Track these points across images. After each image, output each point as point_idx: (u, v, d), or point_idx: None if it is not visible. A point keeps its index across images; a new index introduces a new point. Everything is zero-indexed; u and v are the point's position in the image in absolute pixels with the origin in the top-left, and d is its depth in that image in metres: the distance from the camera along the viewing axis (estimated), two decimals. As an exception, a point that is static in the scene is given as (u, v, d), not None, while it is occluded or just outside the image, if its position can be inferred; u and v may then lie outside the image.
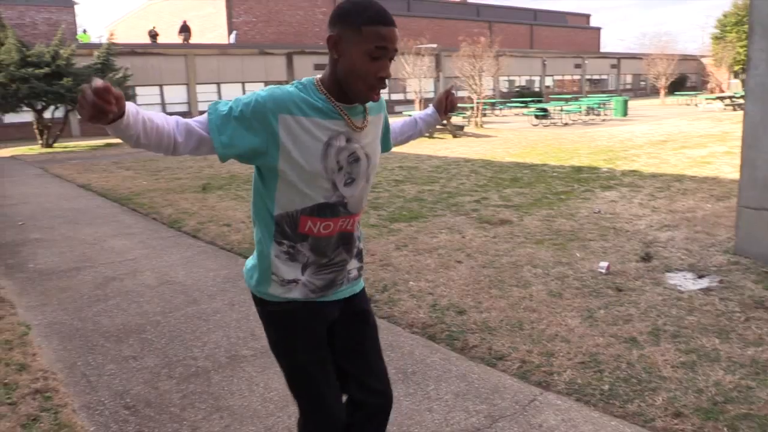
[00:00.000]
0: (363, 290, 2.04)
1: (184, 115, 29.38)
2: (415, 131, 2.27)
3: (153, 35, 33.88)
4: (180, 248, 6.29)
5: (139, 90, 28.39)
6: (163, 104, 29.45)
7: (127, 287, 5.06)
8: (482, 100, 22.80)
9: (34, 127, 20.69)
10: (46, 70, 18.46)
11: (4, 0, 32.64)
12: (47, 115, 20.54)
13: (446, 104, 2.26)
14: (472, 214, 7.24)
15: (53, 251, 6.35)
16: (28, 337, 3.99)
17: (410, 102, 33.51)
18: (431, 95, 38.66)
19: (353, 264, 1.95)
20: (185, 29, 33.14)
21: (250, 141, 1.63)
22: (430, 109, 2.29)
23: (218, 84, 31.09)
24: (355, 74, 1.65)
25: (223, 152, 1.63)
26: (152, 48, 29.83)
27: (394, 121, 2.14)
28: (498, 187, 9.13)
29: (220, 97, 31.25)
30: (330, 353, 1.94)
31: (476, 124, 22.10)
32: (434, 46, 33.73)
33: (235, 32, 37.88)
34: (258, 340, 3.83)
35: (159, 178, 11.42)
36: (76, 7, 38.32)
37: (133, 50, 28.50)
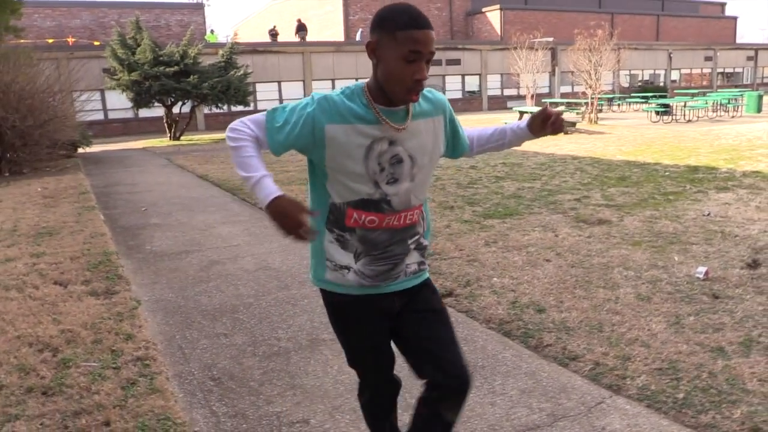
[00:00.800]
0: (426, 283, 2.10)
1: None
2: (503, 142, 2.16)
3: (273, 34, 35.48)
4: (279, 236, 6.63)
5: (258, 87, 29.97)
6: (280, 99, 30.79)
7: (227, 271, 5.44)
8: (598, 95, 21.88)
9: (164, 121, 22.42)
10: (175, 68, 19.93)
11: (142, 4, 35.54)
12: (175, 110, 22.16)
13: (540, 123, 2.05)
14: (569, 213, 7.05)
15: (168, 235, 6.92)
16: (137, 311, 4.42)
17: (522, 97, 32.77)
18: (546, 90, 37.63)
19: (413, 258, 2.02)
20: (302, 28, 34.39)
21: (301, 143, 1.84)
22: (524, 123, 2.11)
23: (333, 80, 32.01)
24: (393, 78, 1.75)
25: (276, 150, 1.88)
26: (272, 46, 31.28)
27: (485, 128, 2.17)
28: (602, 185, 8.80)
29: (334, 92, 32.22)
30: (386, 338, 2.08)
31: (590, 121, 21.29)
32: (550, 39, 32.78)
33: (360, 30, 38.70)
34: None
35: (270, 171, 12.02)
36: (205, 9, 40.97)
37: (254, 49, 30.03)
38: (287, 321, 4.18)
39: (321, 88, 31.69)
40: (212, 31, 38.12)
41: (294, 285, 4.95)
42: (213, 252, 6.11)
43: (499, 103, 36.46)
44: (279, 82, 30.78)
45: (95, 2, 34.45)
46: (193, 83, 19.89)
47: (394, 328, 2.07)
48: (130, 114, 26.31)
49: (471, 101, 36.75)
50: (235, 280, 5.17)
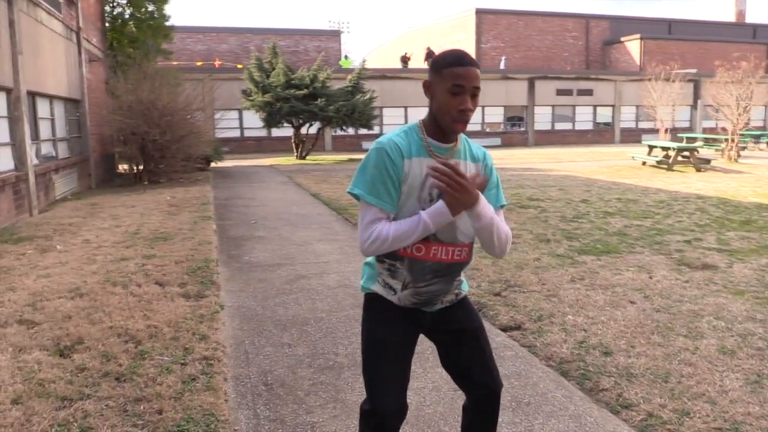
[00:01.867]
0: (464, 308, 2.23)
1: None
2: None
3: (405, 60, 36.42)
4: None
5: (386, 111, 30.82)
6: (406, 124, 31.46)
7: (310, 285, 5.68)
8: (740, 131, 20.27)
9: (292, 140, 23.69)
10: (305, 91, 21.07)
11: (284, 31, 37.96)
12: (304, 130, 23.36)
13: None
14: (673, 255, 6.62)
15: (267, 248, 7.34)
16: (218, 315, 4.75)
17: (655, 131, 31.02)
18: (686, 124, 35.39)
19: (450, 296, 2.17)
20: (431, 55, 34.89)
21: (395, 189, 1.97)
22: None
23: (458, 107, 32.20)
24: (442, 109, 1.96)
25: (394, 206, 1.99)
26: (400, 72, 32.10)
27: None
28: (721, 228, 8.16)
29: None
30: (408, 352, 2.18)
31: (729, 158, 19.74)
32: (693, 71, 30.89)
33: (504, 58, 38.68)
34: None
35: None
36: (342, 36, 42.95)
37: (383, 74, 31.00)
38: (350, 338, 4.30)
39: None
40: (346, 57, 39.82)
41: (367, 304, 5.07)
42: (302, 267, 6.40)
43: (632, 136, 34.75)
44: (405, 108, 31.46)
45: (241, 28, 37.31)
46: (320, 106, 20.90)
47: (438, 347, 2.26)
48: (263, 133, 28.05)
49: (602, 133, 35.38)
50: (315, 294, 5.38)
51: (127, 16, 19.15)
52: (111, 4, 18.99)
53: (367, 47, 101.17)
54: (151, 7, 19.24)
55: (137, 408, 3.19)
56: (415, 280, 2.06)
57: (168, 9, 21.25)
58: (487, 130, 33.13)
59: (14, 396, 3.31)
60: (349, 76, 23.26)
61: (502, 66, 36.92)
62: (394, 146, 1.97)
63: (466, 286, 2.27)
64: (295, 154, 23.60)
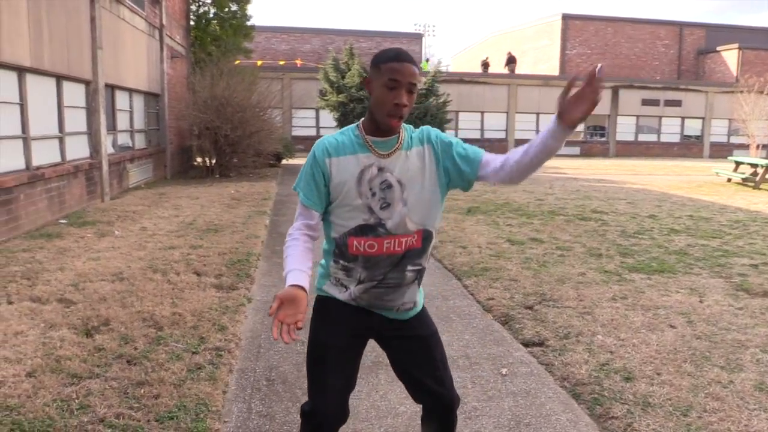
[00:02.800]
0: (418, 316, 2.21)
1: (499, 142, 30.68)
2: (540, 148, 1.95)
3: (485, 65, 35.98)
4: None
5: (462, 116, 30.58)
6: (482, 130, 31.09)
7: (342, 284, 5.68)
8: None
9: (365, 141, 23.90)
10: (378, 92, 21.16)
11: (365, 33, 38.37)
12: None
13: (573, 98, 1.80)
14: (733, 279, 6.17)
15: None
16: (243, 307, 4.83)
17: (746, 147, 29.13)
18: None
19: (410, 296, 2.13)
20: (511, 60, 34.36)
21: (323, 187, 2.01)
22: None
23: (537, 114, 31.51)
24: (378, 104, 1.96)
25: (318, 206, 2.05)
26: (479, 77, 31.73)
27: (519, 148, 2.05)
28: (796, 254, 7.53)
29: (538, 126, 31.71)
30: (353, 357, 2.15)
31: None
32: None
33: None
34: (406, 353, 4.00)
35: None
36: (424, 39, 42.95)
37: (461, 78, 30.75)
38: (365, 340, 4.25)
39: (525, 122, 31.57)
40: (427, 60, 39.77)
41: (393, 308, 5.01)
42: (340, 265, 6.41)
43: (723, 151, 32.81)
44: (482, 113, 31.09)
45: (324, 29, 37.99)
46: (392, 108, 20.95)
47: (388, 354, 2.23)
48: (339, 132, 28.47)
49: (690, 147, 33.62)
50: (344, 294, 5.37)
51: (210, 16, 19.91)
52: (197, 3, 19.80)
53: (451, 51, 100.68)
54: (234, 7, 19.93)
55: (137, 391, 3.27)
56: (371, 277, 2.05)
57: (250, 9, 21.92)
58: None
59: (30, 369, 3.48)
60: (424, 79, 23.19)
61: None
62: (323, 146, 2.01)
63: (422, 298, 2.24)
64: (367, 154, 23.78)
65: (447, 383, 2.15)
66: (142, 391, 3.28)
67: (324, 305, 2.14)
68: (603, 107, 32.33)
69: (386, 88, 1.92)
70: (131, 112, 13.01)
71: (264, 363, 3.82)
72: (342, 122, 22.14)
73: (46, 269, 5.68)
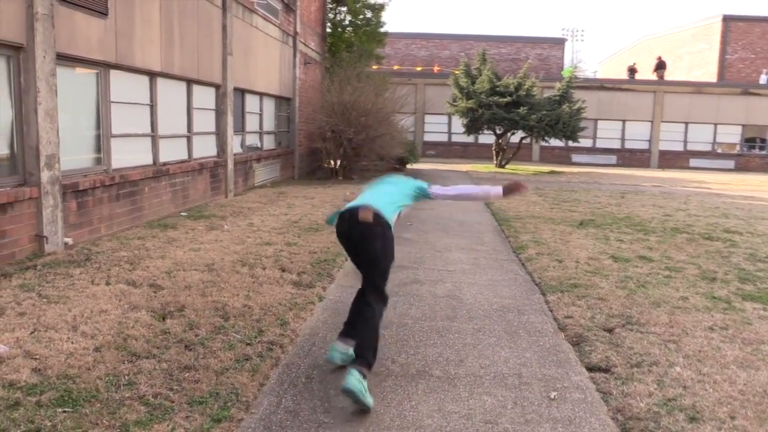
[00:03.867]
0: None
1: (641, 152, 28.78)
2: (472, 197, 4.45)
3: (632, 71, 33.96)
4: (497, 271, 6.53)
5: (601, 124, 29.09)
6: (622, 139, 29.37)
7: (419, 292, 5.63)
8: None
9: (493, 148, 23.50)
10: (507, 99, 20.75)
11: (505, 38, 37.75)
12: (506, 139, 23.03)
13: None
14: None
15: (404, 250, 7.41)
16: (312, 305, 4.94)
17: None
18: None
19: None
20: (661, 66, 32.13)
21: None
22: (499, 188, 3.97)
23: (686, 123, 29.19)
24: None
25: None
26: (622, 83, 29.99)
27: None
28: None
29: (686, 137, 29.38)
30: None
31: None
32: None
33: (765, 72, 34.09)
34: (454, 365, 3.87)
35: (557, 209, 11.69)
36: (575, 44, 41.36)
37: (602, 85, 29.27)
38: (418, 348, 4.18)
39: (671, 131, 29.37)
40: (574, 67, 38.30)
41: (461, 318, 4.88)
42: (424, 272, 6.36)
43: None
44: (624, 121, 29.35)
45: (464, 35, 37.90)
46: (521, 114, 20.44)
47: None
48: (470, 138, 28.18)
49: None
50: (416, 300, 5.32)
51: (346, 23, 20.62)
52: (333, 12, 20.60)
53: (600, 56, 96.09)
54: (369, 14, 20.49)
55: (182, 375, 3.46)
56: None
57: (385, 16, 22.38)
58: (719, 150, 29.47)
59: (99, 344, 3.81)
60: (558, 85, 22.37)
61: (762, 81, 32.29)
62: None
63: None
64: (495, 162, 23.38)
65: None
66: (186, 375, 3.47)
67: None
68: (763, 117, 29.19)
69: None
70: (261, 115, 13.82)
71: (311, 360, 3.88)
72: (470, 128, 21.99)
73: (150, 256, 6.19)
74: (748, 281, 6.39)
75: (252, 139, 13.35)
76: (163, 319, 4.38)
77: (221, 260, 6.15)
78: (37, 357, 3.58)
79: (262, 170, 13.54)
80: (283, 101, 15.66)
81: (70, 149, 6.74)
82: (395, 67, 32.06)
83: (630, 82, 30.39)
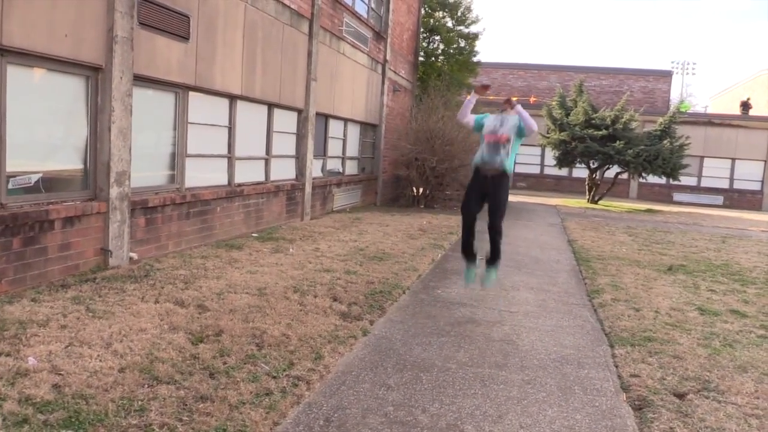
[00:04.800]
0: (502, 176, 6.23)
1: (754, 193, 26.59)
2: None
3: (745, 106, 31.74)
4: (564, 316, 6.04)
5: (707, 162, 27.28)
6: (731, 179, 27.36)
7: (473, 333, 5.26)
8: None
9: (586, 182, 22.51)
10: (603, 132, 19.84)
11: (608, 70, 36.42)
12: (601, 174, 22.01)
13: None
14: None
15: (463, 285, 7.05)
16: (354, 340, 4.71)
17: None
18: None
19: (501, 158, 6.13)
20: (746, 106, 29.79)
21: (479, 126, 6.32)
22: None
23: (806, 165, 26.80)
24: None
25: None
26: (732, 119, 28.02)
27: None
28: None
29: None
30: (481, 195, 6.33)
31: None
32: None
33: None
34: (491, 421, 3.49)
35: (645, 251, 10.86)
36: (685, 77, 39.29)
37: (710, 120, 27.50)
38: (455, 398, 3.83)
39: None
40: (684, 101, 36.36)
41: (512, 367, 4.47)
42: (484, 312, 5.97)
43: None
44: (733, 159, 27.37)
45: (563, 66, 36.95)
46: (617, 148, 19.47)
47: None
48: (564, 172, 27.24)
49: None
50: (468, 343, 4.96)
51: (438, 52, 20.57)
52: (427, 40, 20.63)
53: (712, 90, 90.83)
54: (462, 43, 20.34)
55: (196, 405, 3.32)
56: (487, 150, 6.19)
57: (479, 46, 22.12)
58: None
59: (126, 364, 3.75)
60: (660, 120, 21.17)
61: None
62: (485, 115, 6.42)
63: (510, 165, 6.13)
64: (587, 197, 22.38)
65: (498, 222, 6.20)
66: (201, 406, 3.32)
67: (473, 177, 6.37)
68: None
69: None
70: (344, 140, 13.90)
71: (336, 401, 3.63)
72: (561, 161, 21.22)
73: (207, 276, 6.20)
74: None
75: (333, 164, 13.43)
76: (198, 342, 4.29)
77: (275, 285, 6.06)
78: (62, 373, 3.56)
79: (341, 195, 13.57)
80: (368, 127, 15.72)
81: (143, 167, 6.94)
82: (490, 98, 31.64)
83: (742, 118, 28.37)
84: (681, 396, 4.12)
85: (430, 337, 4.99)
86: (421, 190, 16.16)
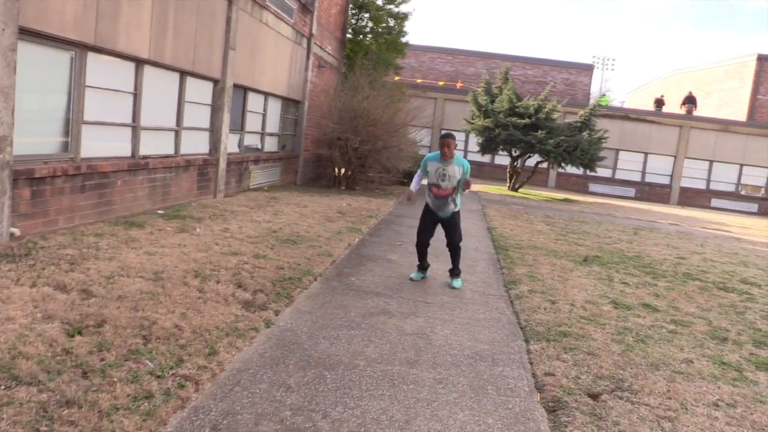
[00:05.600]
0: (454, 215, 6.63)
1: (661, 187, 27.90)
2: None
3: (659, 102, 33.07)
4: (480, 308, 5.86)
5: (622, 155, 28.28)
6: (643, 172, 28.50)
7: (385, 326, 4.97)
8: None
9: (507, 170, 22.80)
10: (526, 120, 20.07)
11: (532, 60, 37.09)
12: (522, 162, 22.33)
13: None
14: None
15: (384, 273, 6.77)
16: (255, 333, 4.31)
17: None
18: None
19: (450, 207, 6.49)
20: (690, 100, 31.23)
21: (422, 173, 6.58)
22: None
23: (711, 161, 28.27)
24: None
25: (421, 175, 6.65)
26: (647, 115, 29.15)
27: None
28: None
29: (710, 175, 28.46)
30: (432, 226, 6.76)
31: None
32: None
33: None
34: (396, 428, 3.20)
35: (562, 240, 10.96)
36: (605, 73, 40.51)
37: (626, 115, 28.48)
38: (361, 401, 3.52)
39: (694, 168, 28.46)
40: (604, 95, 37.52)
41: (424, 364, 4.21)
42: (398, 303, 5.71)
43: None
44: (646, 153, 28.49)
45: (490, 53, 37.30)
46: (538, 137, 19.74)
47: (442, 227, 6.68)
48: (486, 158, 27.49)
49: None
50: (379, 336, 4.67)
51: (367, 30, 20.10)
52: (356, 17, 20.10)
53: (629, 86, 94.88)
54: (392, 23, 19.95)
55: (58, 411, 2.85)
56: (434, 200, 6.47)
57: (408, 26, 21.85)
58: (743, 192, 28.45)
59: (-21, 364, 3.20)
60: (581, 112, 21.64)
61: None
62: (429, 158, 6.46)
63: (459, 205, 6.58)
64: (508, 184, 22.67)
65: (457, 240, 6.69)
66: (64, 413, 2.85)
67: (425, 208, 6.64)
68: (795, 163, 28.18)
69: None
70: (264, 115, 13.28)
71: (226, 405, 3.24)
72: (485, 148, 21.34)
73: (98, 257, 5.61)
74: (763, 345, 5.65)
75: (251, 140, 12.80)
76: (75, 335, 3.77)
77: (174, 268, 5.55)
78: None
79: (259, 173, 12.98)
80: (291, 103, 15.13)
81: (31, 132, 6.22)
82: (418, 81, 31.50)
83: (656, 114, 29.55)
84: (595, 397, 3.99)
85: (339, 330, 4.67)
86: (342, 171, 15.76)
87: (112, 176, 7.53)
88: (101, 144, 7.46)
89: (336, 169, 15.91)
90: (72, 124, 6.85)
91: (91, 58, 7.01)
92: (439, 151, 6.27)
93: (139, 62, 7.98)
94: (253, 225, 8.32)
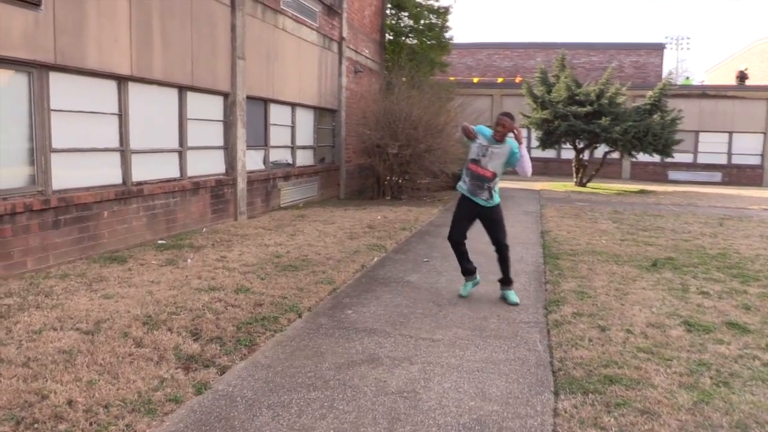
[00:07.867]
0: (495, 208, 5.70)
1: (754, 168, 25.09)
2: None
3: (742, 76, 30.09)
4: (504, 344, 4.59)
5: (702, 136, 25.76)
6: (729, 153, 25.82)
7: (363, 381, 3.82)
8: None
9: (573, 164, 21.01)
10: (587, 108, 18.32)
11: (597, 45, 34.82)
12: (589, 154, 20.51)
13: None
14: None
15: (394, 301, 5.61)
16: (176, 406, 3.29)
17: None
18: None
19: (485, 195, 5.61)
20: (742, 77, 28.19)
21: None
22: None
23: (810, 137, 25.24)
24: None
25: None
26: (728, 90, 26.39)
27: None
28: None
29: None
30: (470, 219, 5.83)
31: None
32: None
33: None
34: None
35: (629, 241, 9.38)
36: (680, 52, 37.63)
37: (704, 92, 25.93)
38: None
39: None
40: (687, 78, 34.77)
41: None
42: (393, 343, 4.54)
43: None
44: (731, 133, 25.80)
45: (551, 44, 35.36)
46: (602, 125, 17.94)
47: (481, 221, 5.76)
48: (552, 154, 25.69)
49: None
50: (346, 401, 3.53)
51: (407, 30, 19.01)
52: (395, 17, 19.05)
53: (707, 64, 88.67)
54: (433, 19, 18.78)
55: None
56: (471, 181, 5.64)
57: (451, 21, 20.58)
58: None
59: None
60: (650, 93, 19.60)
61: None
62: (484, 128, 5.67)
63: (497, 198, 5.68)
64: (575, 179, 20.87)
65: (501, 238, 5.68)
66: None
67: (460, 197, 5.80)
68: None
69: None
70: (293, 128, 12.41)
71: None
72: (545, 142, 19.72)
73: (40, 306, 4.77)
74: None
75: (279, 155, 11.94)
76: None
77: (123, 315, 4.63)
78: None
79: (291, 189, 12.10)
80: (326, 113, 14.23)
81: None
82: (474, 80, 30.06)
83: (738, 89, 26.74)
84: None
85: (295, 393, 3.55)
86: (387, 179, 14.67)
87: (95, 207, 6.78)
88: (79, 173, 6.73)
89: (379, 179, 14.85)
90: (36, 153, 6.13)
91: (55, 78, 6.29)
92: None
93: (121, 79, 7.22)
94: (257, 250, 7.36)
